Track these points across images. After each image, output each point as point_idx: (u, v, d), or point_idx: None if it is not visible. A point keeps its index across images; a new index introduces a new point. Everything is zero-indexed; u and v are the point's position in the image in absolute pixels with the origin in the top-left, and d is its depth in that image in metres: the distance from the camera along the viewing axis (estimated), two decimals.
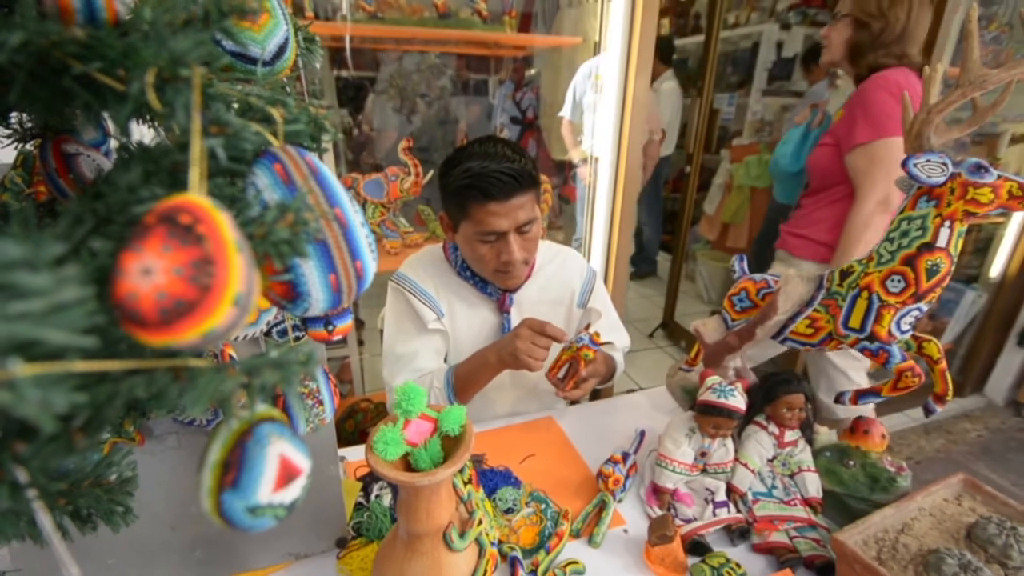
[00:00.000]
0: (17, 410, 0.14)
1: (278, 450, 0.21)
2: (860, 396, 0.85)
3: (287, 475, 0.20)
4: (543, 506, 0.86)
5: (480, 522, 0.66)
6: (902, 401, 2.37)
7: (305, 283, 0.25)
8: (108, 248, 0.18)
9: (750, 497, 0.86)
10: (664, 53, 3.22)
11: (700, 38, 3.97)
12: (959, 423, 2.42)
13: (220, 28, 0.21)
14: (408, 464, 0.61)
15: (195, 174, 0.19)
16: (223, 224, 0.18)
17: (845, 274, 0.84)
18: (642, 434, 1.00)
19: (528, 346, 0.97)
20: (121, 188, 0.21)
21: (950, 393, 0.81)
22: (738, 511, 0.85)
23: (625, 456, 0.92)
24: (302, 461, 0.22)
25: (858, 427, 0.89)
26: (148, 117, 0.25)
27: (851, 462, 0.87)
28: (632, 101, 1.40)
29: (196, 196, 0.18)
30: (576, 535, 0.84)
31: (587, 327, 1.07)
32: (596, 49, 1.44)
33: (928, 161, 0.72)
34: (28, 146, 0.67)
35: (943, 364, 0.81)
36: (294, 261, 0.23)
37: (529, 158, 1.03)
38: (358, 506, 0.85)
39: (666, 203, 4.07)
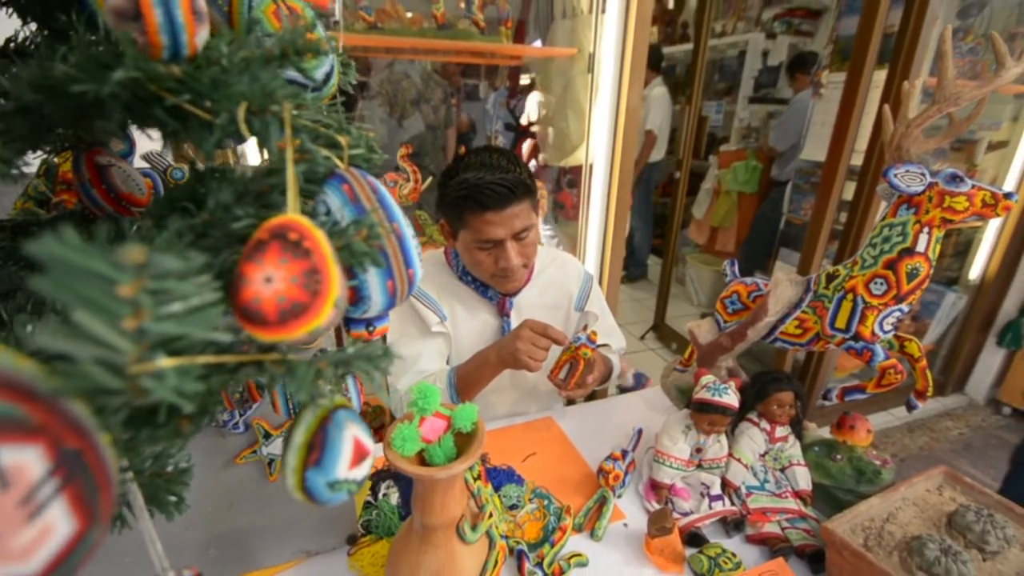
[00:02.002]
0: (159, 396, 0.17)
1: (352, 433, 0.24)
2: (846, 392, 0.90)
3: (359, 455, 0.24)
4: (546, 502, 0.90)
5: (490, 515, 0.69)
6: (887, 400, 2.45)
7: (368, 288, 0.28)
8: (222, 259, 0.21)
9: (743, 490, 0.90)
10: (653, 60, 3.28)
11: (687, 46, 4.05)
12: (941, 421, 2.49)
13: (294, 65, 0.25)
14: (423, 460, 0.64)
15: (292, 196, 0.22)
16: (322, 239, 0.21)
17: (831, 277, 0.88)
18: (639, 432, 1.04)
19: (528, 347, 1.00)
20: (215, 207, 0.25)
21: (930, 389, 0.85)
22: (732, 504, 0.89)
23: (624, 453, 0.96)
24: (369, 443, 0.25)
25: (844, 423, 0.94)
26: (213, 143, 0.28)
27: (838, 456, 0.92)
28: (626, 109, 1.45)
29: (296, 216, 0.21)
30: (578, 529, 0.87)
31: (584, 327, 1.10)
32: (591, 60, 1.49)
33: (907, 171, 0.77)
34: (52, 157, 0.70)
35: (924, 362, 0.86)
36: (356, 269, 0.26)
37: (525, 167, 1.06)
38: (367, 504, 0.88)
39: (656, 208, 4.14)
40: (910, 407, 0.88)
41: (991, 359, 2.56)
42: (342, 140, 0.25)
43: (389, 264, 0.28)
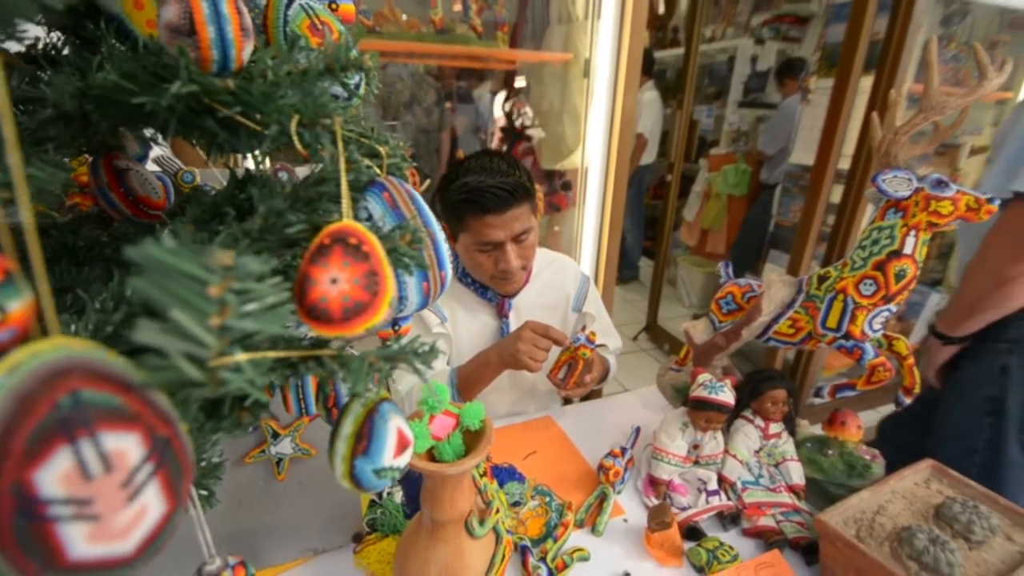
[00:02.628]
0: (235, 387, 0.19)
1: (395, 424, 0.25)
2: (837, 390, 0.93)
3: (402, 444, 0.25)
4: (547, 499, 0.92)
5: (497, 511, 0.70)
6: (874, 398, 2.49)
7: (406, 289, 0.30)
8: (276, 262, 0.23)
9: (739, 486, 0.93)
10: (645, 64, 3.32)
11: (678, 51, 4.10)
12: None
13: (338, 79, 0.26)
14: (432, 457, 0.65)
15: (346, 203, 0.24)
16: (377, 243, 0.22)
17: (822, 279, 0.91)
18: (637, 430, 1.06)
19: (530, 348, 1.02)
20: (269, 213, 0.26)
21: (918, 386, 0.89)
22: (729, 499, 0.91)
23: (623, 450, 0.98)
24: (410, 434, 0.26)
25: (836, 419, 0.97)
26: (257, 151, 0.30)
27: (830, 451, 0.94)
28: (621, 114, 1.47)
29: (353, 221, 0.23)
30: (580, 525, 0.89)
31: (582, 328, 1.12)
32: (586, 65, 1.51)
33: (895, 176, 0.80)
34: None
35: (911, 360, 0.89)
36: (399, 270, 0.28)
37: (524, 170, 1.08)
38: (372, 503, 0.89)
39: (647, 210, 4.18)
40: (898, 404, 0.91)
41: None
42: (382, 150, 0.27)
43: (425, 266, 0.30)
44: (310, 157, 0.26)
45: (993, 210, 0.76)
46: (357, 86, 0.37)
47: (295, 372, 0.22)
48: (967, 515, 0.75)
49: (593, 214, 1.58)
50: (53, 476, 0.16)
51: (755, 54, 3.58)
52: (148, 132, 0.56)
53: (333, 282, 0.21)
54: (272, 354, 0.20)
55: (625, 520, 0.91)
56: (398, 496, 0.91)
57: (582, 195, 1.58)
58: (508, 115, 2.25)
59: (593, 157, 1.57)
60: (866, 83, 1.82)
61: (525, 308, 1.22)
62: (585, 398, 1.47)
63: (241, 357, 0.19)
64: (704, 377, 0.93)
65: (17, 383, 0.16)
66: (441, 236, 0.30)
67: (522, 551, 0.80)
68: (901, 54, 1.72)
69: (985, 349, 1.03)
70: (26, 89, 0.32)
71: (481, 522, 0.68)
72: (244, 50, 0.27)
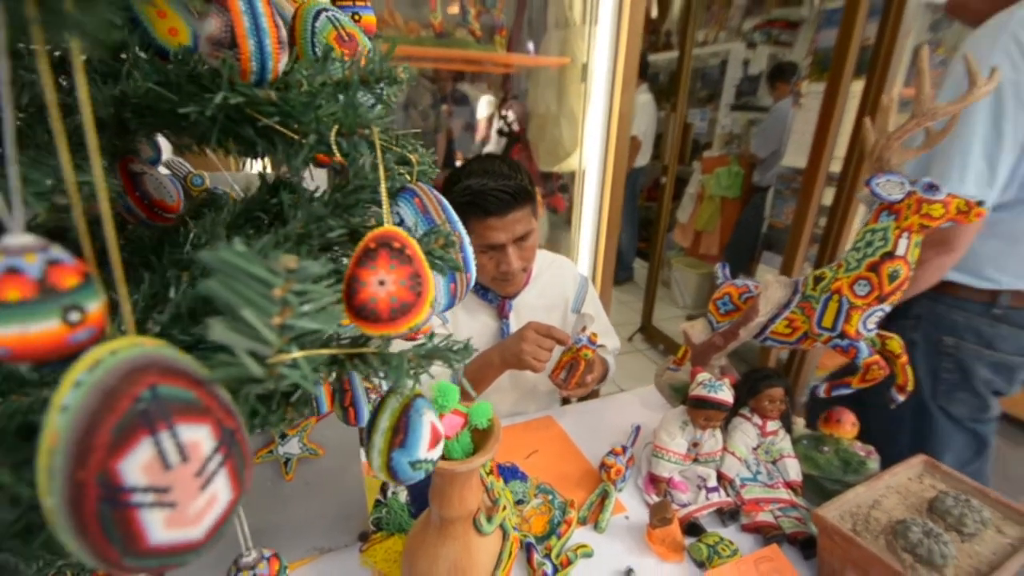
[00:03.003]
0: (291, 381, 0.20)
1: (429, 419, 0.27)
2: (833, 388, 0.95)
3: (435, 438, 0.26)
4: (550, 497, 0.93)
5: (504, 508, 0.72)
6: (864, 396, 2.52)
7: (436, 291, 0.31)
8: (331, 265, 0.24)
9: (738, 482, 0.95)
10: (639, 67, 3.36)
11: (670, 54, 4.14)
12: None
13: (370, 90, 0.28)
14: (441, 455, 0.66)
15: (386, 209, 0.25)
16: (418, 247, 0.24)
17: (818, 279, 0.93)
18: (637, 429, 1.08)
19: (533, 348, 1.03)
20: (308, 218, 0.27)
21: (910, 383, 0.91)
22: (727, 495, 0.93)
23: (624, 449, 0.99)
24: (441, 428, 0.28)
25: (831, 417, 0.99)
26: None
27: (825, 448, 0.97)
28: (618, 118, 1.49)
29: (394, 227, 0.24)
30: (583, 522, 0.90)
31: (583, 328, 1.14)
32: (584, 70, 1.53)
33: (888, 180, 0.83)
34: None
35: (904, 358, 0.91)
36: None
37: (526, 174, 1.10)
38: (377, 503, 0.90)
39: (641, 212, 4.21)
40: (892, 401, 0.93)
41: None
42: (412, 158, 0.28)
43: (459, 268, 0.31)
44: (348, 165, 0.27)
45: (983, 213, 0.78)
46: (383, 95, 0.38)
47: (341, 369, 0.24)
48: (959, 508, 0.78)
49: (590, 216, 1.60)
50: (136, 466, 0.17)
51: (747, 58, 3.63)
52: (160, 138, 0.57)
53: (381, 284, 0.22)
54: (325, 351, 0.22)
55: (627, 517, 0.92)
56: (403, 495, 0.92)
57: (580, 197, 1.60)
58: (490, 118, 2.27)
59: (591, 160, 1.59)
60: (857, 87, 1.86)
61: (525, 309, 1.23)
62: (583, 398, 1.49)
63: (298, 354, 0.20)
64: (703, 376, 0.95)
65: (100, 379, 0.17)
66: (467, 239, 0.32)
67: (527, 548, 0.81)
68: (891, 59, 1.75)
69: (895, 326, 1.14)
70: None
71: (489, 519, 0.69)
72: (280, 62, 0.28)
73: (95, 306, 0.18)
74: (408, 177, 0.29)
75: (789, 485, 0.94)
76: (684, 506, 0.92)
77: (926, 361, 1.15)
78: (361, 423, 0.48)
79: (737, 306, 1.05)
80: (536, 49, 1.80)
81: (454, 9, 1.67)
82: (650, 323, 3.32)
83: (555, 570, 0.79)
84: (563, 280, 1.30)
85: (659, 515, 0.84)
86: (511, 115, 2.21)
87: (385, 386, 0.56)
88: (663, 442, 0.95)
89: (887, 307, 0.86)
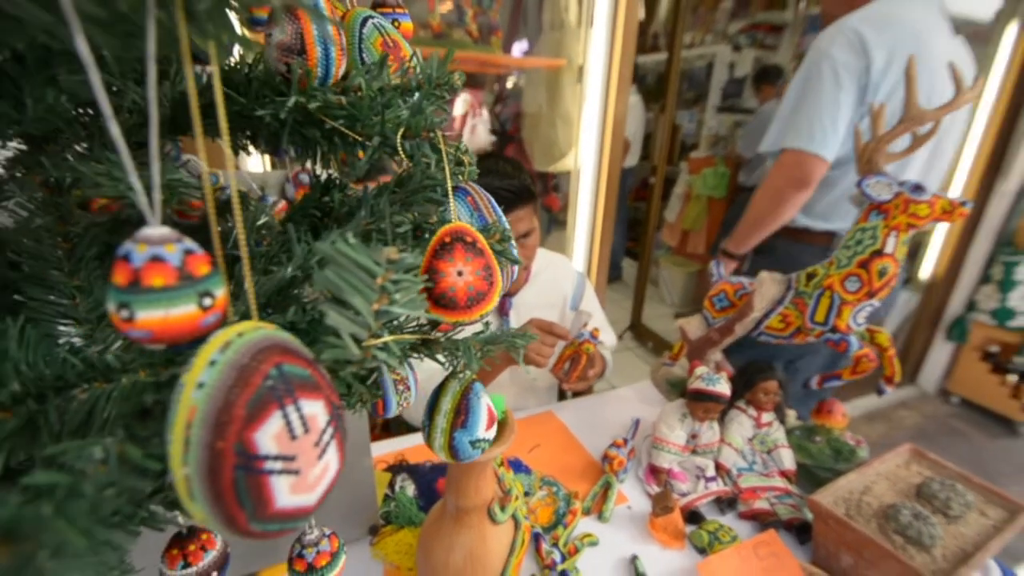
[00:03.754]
0: (381, 363, 0.22)
1: (485, 401, 0.29)
2: (824, 380, 0.99)
3: (491, 419, 0.29)
4: (554, 489, 0.96)
5: (517, 498, 0.74)
6: (849, 392, 2.61)
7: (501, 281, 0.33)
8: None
9: (735, 472, 0.98)
10: None
11: (658, 56, 4.19)
12: (897, 411, 2.67)
13: (428, 96, 0.30)
14: None
15: (452, 207, 0.27)
16: (485, 242, 0.26)
17: (810, 276, 0.97)
18: (637, 422, 1.11)
19: (536, 344, 1.06)
20: (376, 214, 0.29)
21: (898, 375, 0.95)
22: (725, 485, 0.97)
23: (625, 441, 1.02)
24: (496, 410, 0.30)
25: (823, 408, 1.03)
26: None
27: (818, 438, 1.01)
28: (613, 119, 1.53)
29: (463, 223, 0.26)
30: (587, 512, 0.93)
31: (585, 324, 1.17)
32: (580, 72, 1.56)
33: (878, 181, 0.87)
34: None
35: (892, 351, 0.96)
36: None
37: (527, 173, 1.12)
38: (386, 497, 0.92)
39: (630, 211, 4.26)
40: (880, 392, 0.98)
41: (940, 352, 2.76)
42: (465, 159, 0.31)
43: (517, 262, 0.33)
44: (413, 166, 0.29)
45: (966, 212, 0.83)
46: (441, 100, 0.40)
47: (417, 353, 0.26)
48: (945, 493, 0.82)
49: (585, 215, 1.63)
50: (268, 436, 0.19)
51: (732, 61, 3.70)
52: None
53: (459, 274, 0.24)
54: (410, 336, 0.24)
55: (629, 507, 0.95)
56: (410, 489, 0.94)
57: (575, 197, 1.63)
58: (464, 116, 2.29)
59: (586, 160, 1.62)
60: None
61: (524, 307, 1.26)
62: (579, 394, 1.51)
63: (389, 338, 0.22)
64: (701, 370, 0.98)
65: (232, 358, 0.19)
66: (511, 234, 0.34)
67: (535, 538, 0.84)
68: None
69: (758, 259, 1.42)
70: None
71: (503, 508, 0.71)
72: (341, 67, 0.30)
73: (221, 292, 0.20)
74: (461, 177, 0.32)
75: (784, 474, 0.98)
76: (684, 495, 0.95)
77: None
78: (389, 413, 0.50)
79: (732, 302, 1.09)
80: (530, 49, 1.83)
81: (447, 6, 1.68)
82: (640, 321, 3.37)
83: (563, 558, 0.82)
84: (561, 278, 1.32)
85: (661, 504, 0.87)
86: (484, 113, 2.23)
87: (412, 380, 0.58)
88: (663, 434, 0.99)
89: (876, 302, 0.90)
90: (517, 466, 1.01)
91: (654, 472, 0.99)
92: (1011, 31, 2.17)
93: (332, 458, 0.21)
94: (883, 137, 0.85)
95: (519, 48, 2.08)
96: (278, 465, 0.19)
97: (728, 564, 0.79)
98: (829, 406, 1.03)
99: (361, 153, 0.28)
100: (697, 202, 3.61)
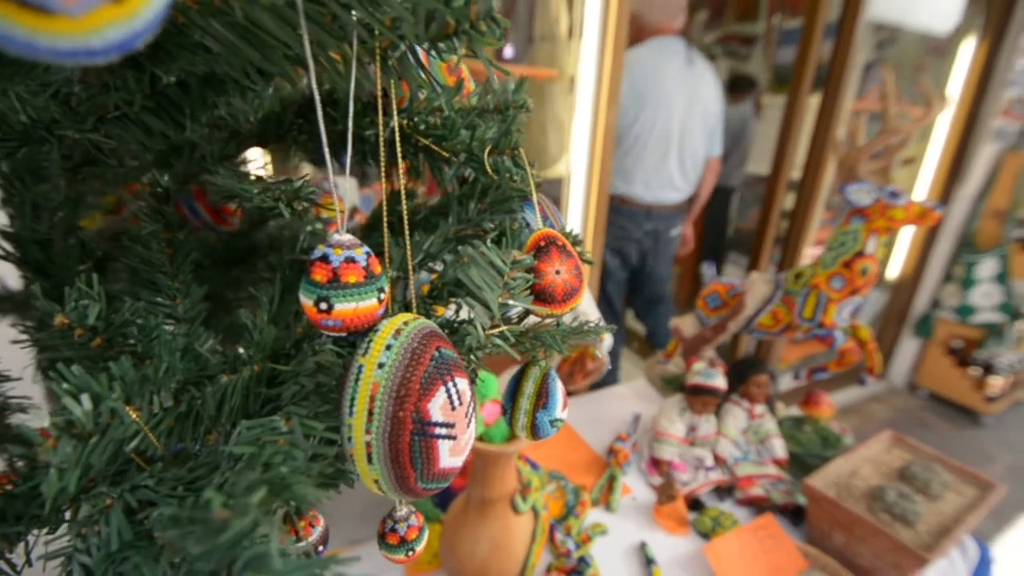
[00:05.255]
0: (496, 347, 0.26)
1: (560, 385, 0.33)
2: (813, 372, 1.06)
3: (566, 401, 0.32)
4: (562, 483, 1.00)
5: (536, 489, 0.78)
6: (824, 387, 2.72)
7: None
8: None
9: (731, 462, 1.04)
10: None
11: None
12: (869, 405, 2.80)
13: (502, 115, 0.33)
14: (483, 440, 0.72)
15: (539, 216, 0.31)
16: (571, 245, 0.30)
17: (798, 276, 1.04)
18: (637, 417, 1.16)
19: None
20: (462, 220, 0.33)
21: (879, 366, 1.03)
22: (723, 474, 1.03)
23: (628, 436, 1.07)
24: (567, 394, 0.34)
25: (810, 399, 1.10)
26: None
27: (806, 428, 1.07)
28: (604, 127, 1.58)
29: (551, 229, 0.30)
30: (595, 503, 0.97)
31: None
32: (572, 81, 1.62)
33: (859, 188, 0.94)
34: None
35: (872, 344, 1.03)
36: None
37: None
38: None
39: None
40: (862, 382, 1.05)
41: (908, 348, 2.91)
42: (532, 172, 0.34)
43: (591, 263, 0.37)
44: (500, 179, 0.33)
45: (938, 216, 0.90)
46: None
47: (515, 341, 0.29)
48: (925, 474, 0.89)
49: (577, 222, 1.68)
50: (438, 406, 0.22)
51: None
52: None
53: (557, 273, 0.28)
54: (518, 327, 0.27)
55: (633, 498, 1.00)
56: None
57: (566, 202, 1.68)
58: None
59: (577, 167, 1.67)
60: (814, 101, 2.02)
61: None
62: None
63: (505, 328, 0.26)
64: (698, 366, 1.04)
65: (405, 342, 0.22)
66: (582, 239, 0.38)
67: (549, 528, 0.88)
68: (844, 75, 1.92)
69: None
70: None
71: (524, 499, 0.75)
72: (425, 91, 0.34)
73: (387, 288, 0.24)
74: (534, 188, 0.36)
75: (776, 462, 1.04)
76: (685, 485, 1.00)
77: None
78: None
79: (725, 301, 1.15)
80: (515, 57, 1.88)
81: None
82: (621, 323, 3.43)
83: (576, 547, 0.86)
84: None
85: (666, 493, 0.93)
86: None
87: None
88: (664, 428, 1.04)
89: (859, 299, 0.97)
90: (525, 462, 1.05)
91: (656, 464, 1.04)
92: (968, 46, 2.32)
93: (473, 429, 0.25)
94: (863, 148, 0.93)
95: (506, 54, 2.12)
96: (443, 431, 0.23)
97: (731, 547, 0.84)
98: (816, 398, 1.10)
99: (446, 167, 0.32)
100: None
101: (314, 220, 0.53)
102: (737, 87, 3.37)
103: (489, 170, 0.32)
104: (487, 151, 0.31)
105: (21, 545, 0.26)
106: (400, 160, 0.33)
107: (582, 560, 0.81)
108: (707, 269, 1.22)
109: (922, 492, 0.88)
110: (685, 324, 1.23)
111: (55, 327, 0.22)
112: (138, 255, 0.33)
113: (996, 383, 2.51)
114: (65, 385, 0.18)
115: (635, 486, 1.03)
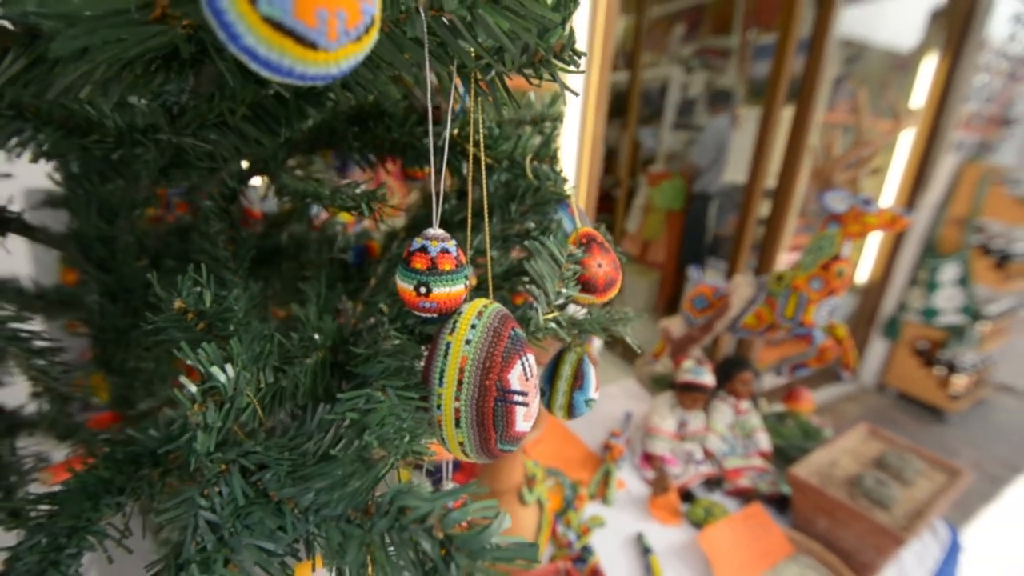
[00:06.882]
0: (551, 331, 0.30)
1: (593, 368, 0.36)
2: (793, 369, 1.12)
3: (598, 383, 0.36)
4: (560, 478, 1.03)
5: (540, 481, 0.81)
6: (803, 385, 2.82)
7: None
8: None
9: (720, 455, 1.09)
10: None
11: (615, 75, 4.40)
12: (842, 404, 2.91)
13: (538, 128, 0.37)
14: None
15: (579, 217, 0.35)
16: (607, 242, 0.34)
17: (780, 278, 1.10)
18: (629, 415, 1.20)
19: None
20: (506, 220, 0.37)
21: (855, 362, 1.09)
22: (712, 467, 1.08)
23: (622, 432, 1.12)
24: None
25: (792, 395, 1.16)
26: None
27: (789, 422, 1.13)
28: (592, 136, 1.64)
29: (589, 227, 0.34)
30: (592, 497, 1.01)
31: None
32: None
33: (835, 196, 1.01)
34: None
35: (848, 342, 1.10)
36: None
37: None
38: None
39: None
40: (839, 378, 1.11)
41: (877, 349, 3.03)
42: (565, 177, 0.38)
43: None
44: (540, 183, 0.36)
45: (907, 222, 0.97)
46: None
47: (565, 326, 0.33)
48: (899, 463, 0.96)
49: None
50: (516, 377, 0.26)
51: (685, 82, 3.95)
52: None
53: (599, 266, 0.32)
54: (564, 315, 0.31)
55: (628, 491, 1.04)
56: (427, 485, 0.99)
57: None
58: None
59: (567, 175, 1.73)
60: (787, 113, 2.12)
61: None
62: None
63: (557, 313, 0.29)
64: (688, 364, 1.09)
65: (487, 322, 0.26)
66: (612, 238, 0.42)
67: (553, 519, 0.91)
68: (815, 89, 2.03)
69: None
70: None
71: (531, 490, 0.78)
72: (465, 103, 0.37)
73: (472, 278, 0.27)
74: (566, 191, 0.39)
75: (762, 454, 1.09)
76: (676, 478, 1.05)
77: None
78: None
79: (711, 303, 1.21)
80: None
81: None
82: None
83: (577, 538, 0.90)
84: None
85: (660, 486, 0.97)
86: None
87: None
88: (655, 424, 1.08)
89: (836, 299, 1.04)
90: None
91: (648, 458, 1.09)
92: (930, 61, 2.46)
93: (537, 399, 0.29)
94: (839, 159, 1.00)
95: None
96: (520, 399, 0.26)
97: (723, 535, 0.89)
98: (798, 394, 1.16)
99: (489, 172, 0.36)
100: (656, 213, 3.81)
101: (336, 223, 0.56)
102: (717, 101, 3.50)
103: (530, 176, 0.35)
104: (528, 159, 0.35)
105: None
106: (467, 165, 0.37)
107: (585, 549, 0.85)
108: (694, 273, 1.27)
109: (897, 479, 0.94)
110: (673, 325, 1.28)
111: (173, 310, 0.25)
112: (206, 251, 0.36)
113: (959, 382, 2.65)
114: (203, 355, 0.21)
115: (629, 480, 1.07)
